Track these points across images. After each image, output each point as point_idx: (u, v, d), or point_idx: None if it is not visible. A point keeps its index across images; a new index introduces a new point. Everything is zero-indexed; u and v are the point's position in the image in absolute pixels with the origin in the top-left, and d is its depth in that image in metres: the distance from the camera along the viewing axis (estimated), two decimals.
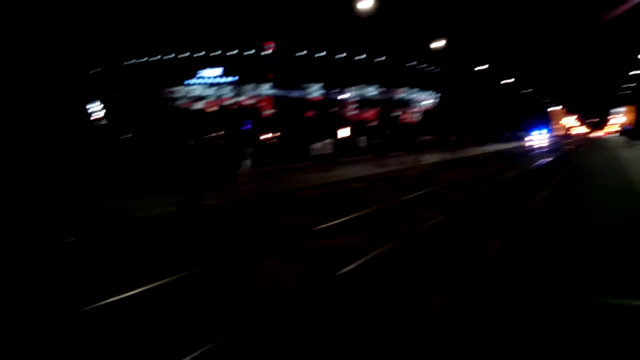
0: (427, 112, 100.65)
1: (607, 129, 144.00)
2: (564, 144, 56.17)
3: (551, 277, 6.25)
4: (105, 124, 78.11)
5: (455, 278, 6.11)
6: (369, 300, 5.51)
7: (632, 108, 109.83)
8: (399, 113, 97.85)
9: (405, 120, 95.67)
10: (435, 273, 6.28)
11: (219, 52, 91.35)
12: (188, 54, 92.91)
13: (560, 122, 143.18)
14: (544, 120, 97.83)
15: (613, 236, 8.90)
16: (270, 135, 71.08)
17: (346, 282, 6.34)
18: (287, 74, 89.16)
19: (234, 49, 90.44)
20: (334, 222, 10.48)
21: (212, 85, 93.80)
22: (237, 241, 9.27)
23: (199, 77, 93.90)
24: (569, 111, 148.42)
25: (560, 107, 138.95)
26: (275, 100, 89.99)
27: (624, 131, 74.94)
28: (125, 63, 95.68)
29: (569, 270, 6.55)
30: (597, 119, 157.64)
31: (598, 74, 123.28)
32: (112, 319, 5.50)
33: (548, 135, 75.28)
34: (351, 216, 11.21)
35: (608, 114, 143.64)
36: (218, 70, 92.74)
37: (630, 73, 69.84)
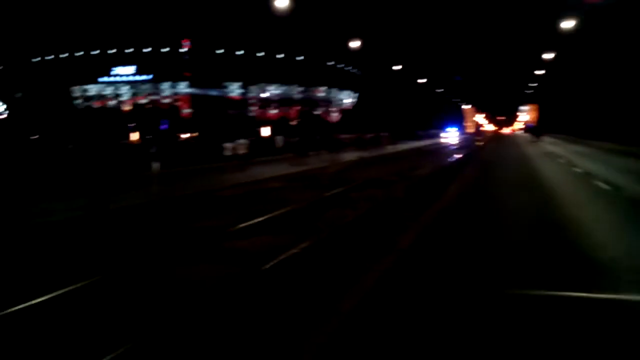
0: (346, 111, 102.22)
1: (514, 126, 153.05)
2: (474, 141, 58.76)
3: (461, 271, 6.43)
4: (10, 123, 73.02)
5: (366, 275, 6.14)
6: (280, 301, 5.41)
7: (535, 107, 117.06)
8: (318, 112, 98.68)
9: (325, 119, 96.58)
10: (348, 271, 6.28)
11: (133, 49, 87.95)
12: (99, 51, 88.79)
13: (471, 120, 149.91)
14: (456, 119, 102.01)
15: (517, 230, 9.35)
16: (188, 135, 69.34)
17: (259, 284, 6.21)
18: (205, 72, 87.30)
19: (149, 46, 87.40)
20: (250, 223, 10.31)
21: (126, 83, 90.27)
22: (145, 247, 8.89)
23: (111, 75, 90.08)
24: (479, 109, 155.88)
25: (470, 106, 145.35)
26: (193, 99, 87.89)
27: (528, 129, 79.85)
28: (33, 59, 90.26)
29: (478, 264, 6.77)
30: (505, 117, 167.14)
31: (505, 73, 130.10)
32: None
33: (459, 132, 78.59)
34: (268, 216, 11.08)
35: (516, 110, 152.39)
36: (132, 68, 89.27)
37: (535, 72, 73.76)
